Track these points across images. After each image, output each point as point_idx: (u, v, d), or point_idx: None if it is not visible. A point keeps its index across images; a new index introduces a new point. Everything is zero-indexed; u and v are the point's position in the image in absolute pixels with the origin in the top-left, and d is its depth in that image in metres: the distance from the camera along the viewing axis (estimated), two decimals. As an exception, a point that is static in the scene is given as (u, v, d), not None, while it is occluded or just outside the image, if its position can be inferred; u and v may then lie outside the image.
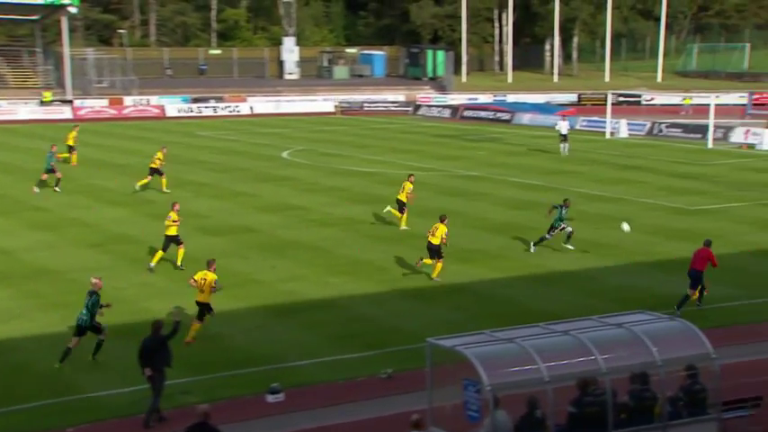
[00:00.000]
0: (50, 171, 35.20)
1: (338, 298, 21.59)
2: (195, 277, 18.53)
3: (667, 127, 54.37)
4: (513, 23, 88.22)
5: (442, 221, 23.03)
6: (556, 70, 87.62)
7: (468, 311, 20.53)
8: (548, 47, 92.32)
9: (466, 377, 12.54)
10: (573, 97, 75.85)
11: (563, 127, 45.79)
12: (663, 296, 21.37)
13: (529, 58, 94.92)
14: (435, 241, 22.88)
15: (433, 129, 60.86)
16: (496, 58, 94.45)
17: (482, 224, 29.71)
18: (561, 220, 25.68)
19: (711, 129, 49.45)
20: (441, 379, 13.24)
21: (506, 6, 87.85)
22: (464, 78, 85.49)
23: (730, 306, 20.86)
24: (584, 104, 73.00)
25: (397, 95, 77.16)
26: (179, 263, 23.81)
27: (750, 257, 25.15)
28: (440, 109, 71.39)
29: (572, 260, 24.82)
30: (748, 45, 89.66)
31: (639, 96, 71.51)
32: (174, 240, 23.96)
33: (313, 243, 26.50)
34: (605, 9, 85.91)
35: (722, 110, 54.98)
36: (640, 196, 34.09)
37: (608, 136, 53.14)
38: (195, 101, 71.73)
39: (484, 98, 76.04)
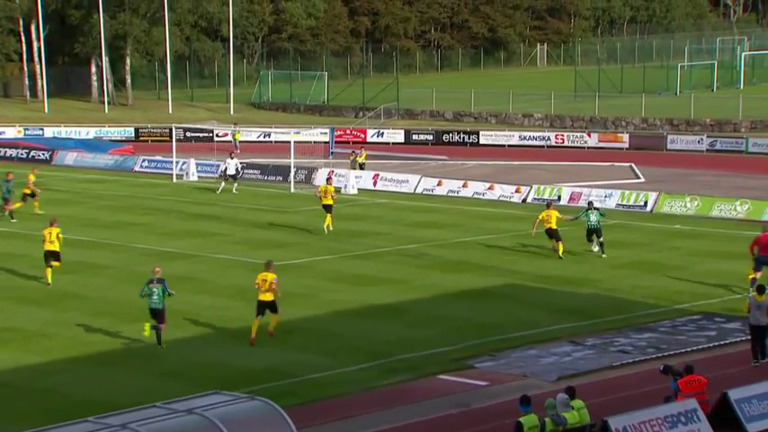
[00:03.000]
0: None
1: None
2: (257, 280, 24.54)
3: (244, 168, 56.59)
4: (46, 38, 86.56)
5: (549, 207, 33.29)
6: (106, 99, 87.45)
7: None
8: (94, 69, 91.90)
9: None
10: (129, 132, 76.26)
11: (231, 166, 50.27)
12: (243, 371, 22.12)
13: (70, 82, 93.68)
14: (553, 225, 32.70)
15: (-56, 173, 57.79)
16: (27, 82, 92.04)
17: (14, 294, 28.78)
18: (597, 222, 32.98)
19: (293, 171, 52.37)
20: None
21: (36, 17, 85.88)
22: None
23: (318, 377, 22.10)
24: (144, 140, 73.67)
25: None
26: None
27: (335, 318, 26.94)
28: (-51, 147, 67.89)
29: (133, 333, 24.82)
30: (326, 74, 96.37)
31: (211, 131, 73.61)
32: None
33: None
34: (163, 26, 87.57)
35: (304, 148, 58.38)
36: (217, 251, 35.04)
37: (174, 179, 54.05)
38: None
39: (12, 132, 73.83)
